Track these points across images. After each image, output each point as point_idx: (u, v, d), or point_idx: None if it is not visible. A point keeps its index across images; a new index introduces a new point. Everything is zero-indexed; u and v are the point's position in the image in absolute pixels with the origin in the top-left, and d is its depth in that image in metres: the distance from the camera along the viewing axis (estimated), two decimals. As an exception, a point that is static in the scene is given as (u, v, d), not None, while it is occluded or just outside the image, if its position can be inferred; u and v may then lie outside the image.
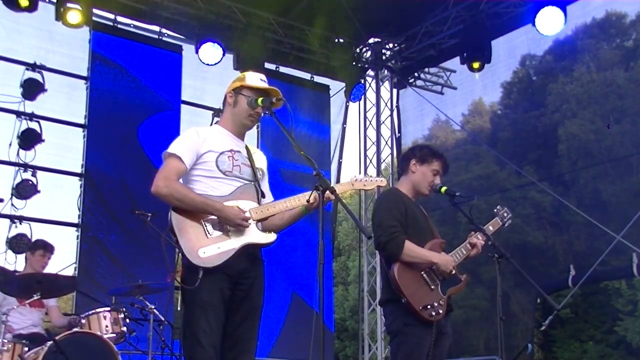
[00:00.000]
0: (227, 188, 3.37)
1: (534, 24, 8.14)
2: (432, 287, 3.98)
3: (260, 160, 3.62)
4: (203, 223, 3.26)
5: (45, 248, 6.08)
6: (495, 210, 4.37)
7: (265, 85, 3.51)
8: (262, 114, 3.47)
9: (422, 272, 3.99)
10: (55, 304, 6.09)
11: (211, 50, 8.48)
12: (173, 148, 3.37)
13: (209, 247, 3.20)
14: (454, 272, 4.02)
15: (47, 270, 6.04)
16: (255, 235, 3.34)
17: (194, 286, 3.14)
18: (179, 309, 3.86)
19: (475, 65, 9.03)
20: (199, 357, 3.16)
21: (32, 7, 7.74)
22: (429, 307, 3.90)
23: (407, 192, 4.26)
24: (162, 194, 3.26)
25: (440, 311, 3.93)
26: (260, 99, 3.39)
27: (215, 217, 3.27)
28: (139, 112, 8.73)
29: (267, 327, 8.54)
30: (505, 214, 4.35)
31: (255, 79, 3.52)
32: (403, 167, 4.33)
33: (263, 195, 3.50)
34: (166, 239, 3.37)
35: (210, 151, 3.39)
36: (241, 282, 3.31)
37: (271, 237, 3.39)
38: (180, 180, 3.38)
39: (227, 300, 3.27)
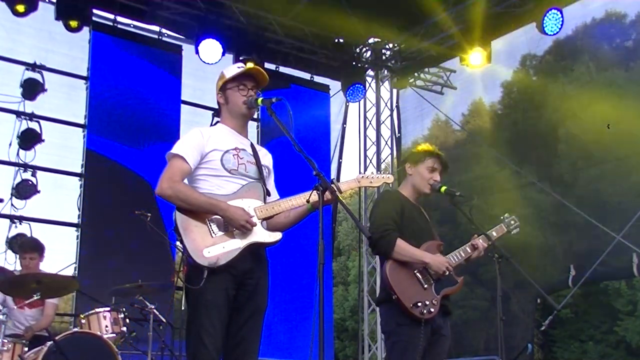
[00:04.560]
0: (232, 186, 3.34)
1: (537, 24, 8.14)
2: (425, 286, 3.99)
3: (266, 158, 3.60)
4: (208, 222, 3.23)
5: (24, 248, 6.01)
6: (502, 217, 4.33)
7: (243, 68, 3.50)
8: (257, 97, 3.40)
9: (416, 271, 4.00)
10: (53, 301, 6.04)
11: (211, 49, 8.46)
12: (177, 148, 3.34)
13: (213, 247, 3.18)
14: (447, 273, 4.01)
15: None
16: (260, 235, 3.30)
17: (198, 286, 3.12)
18: (183, 308, 3.84)
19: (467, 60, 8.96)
20: (202, 358, 3.15)
21: (27, 12, 7.69)
22: (419, 304, 3.90)
23: (408, 194, 4.28)
24: (166, 196, 3.24)
25: (432, 310, 3.93)
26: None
27: (220, 217, 3.25)
28: (138, 112, 8.73)
29: (267, 327, 8.51)
30: (512, 222, 4.31)
31: (233, 69, 3.52)
32: (403, 175, 4.37)
33: (269, 194, 3.46)
34: (168, 240, 3.35)
35: (215, 150, 3.37)
36: (246, 282, 3.28)
37: (276, 236, 3.34)
38: (185, 181, 3.36)
39: (232, 300, 3.25)
